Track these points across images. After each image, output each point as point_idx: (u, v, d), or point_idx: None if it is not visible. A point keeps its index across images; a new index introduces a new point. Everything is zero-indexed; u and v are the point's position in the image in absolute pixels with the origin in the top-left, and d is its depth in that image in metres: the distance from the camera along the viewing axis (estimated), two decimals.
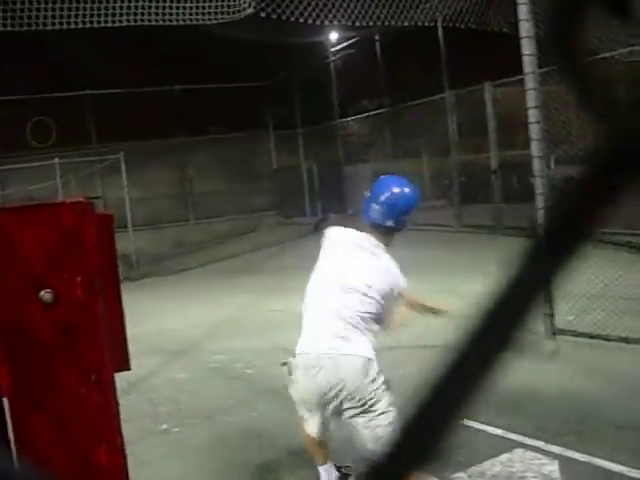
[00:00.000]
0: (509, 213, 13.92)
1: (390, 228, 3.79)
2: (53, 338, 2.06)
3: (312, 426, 3.76)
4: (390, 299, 3.72)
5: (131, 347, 8.34)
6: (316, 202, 20.69)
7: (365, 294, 3.63)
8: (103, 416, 2.17)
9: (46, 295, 2.00)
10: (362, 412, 3.57)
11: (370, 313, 3.64)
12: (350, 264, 3.72)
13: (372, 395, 3.55)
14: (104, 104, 20.75)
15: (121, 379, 6.87)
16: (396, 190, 3.81)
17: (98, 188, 18.68)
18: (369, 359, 3.60)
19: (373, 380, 3.58)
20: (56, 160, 15.74)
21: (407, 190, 3.84)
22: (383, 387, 3.61)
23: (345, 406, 3.59)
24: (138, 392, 6.55)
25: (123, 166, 15.90)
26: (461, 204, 16.23)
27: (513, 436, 4.60)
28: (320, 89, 21.30)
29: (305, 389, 3.68)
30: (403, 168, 15.91)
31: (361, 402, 3.55)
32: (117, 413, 2.24)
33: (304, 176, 21.66)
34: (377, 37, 18.95)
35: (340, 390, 3.54)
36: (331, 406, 3.62)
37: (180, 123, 21.58)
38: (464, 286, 9.39)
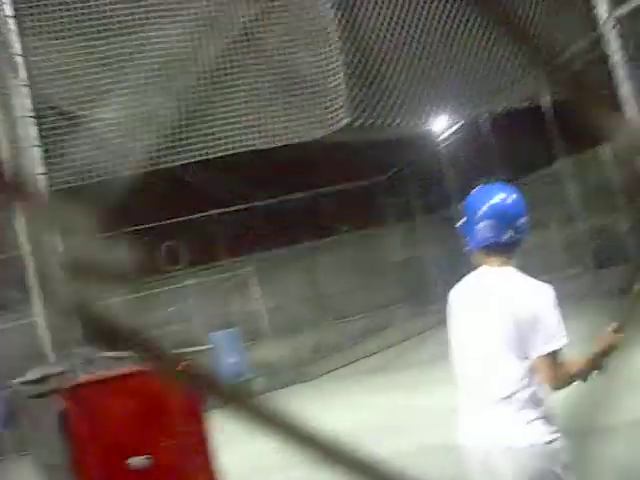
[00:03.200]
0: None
1: (512, 241, 3.02)
2: None
3: None
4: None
5: (285, 459, 8.30)
6: (444, 289, 20.36)
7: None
8: None
9: (139, 462, 2.03)
10: None
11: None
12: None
13: None
14: (230, 221, 21.61)
15: None
16: (500, 194, 3.08)
17: (233, 302, 19.25)
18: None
19: None
20: (187, 282, 16.41)
21: (509, 191, 3.11)
22: None
23: None
24: None
25: (255, 279, 16.41)
26: (596, 269, 15.69)
27: None
28: (433, 178, 21.42)
29: None
30: (532, 241, 15.59)
31: None
32: None
33: (429, 265, 21.54)
34: (485, 117, 18.98)
35: None
36: None
37: (305, 230, 22.12)
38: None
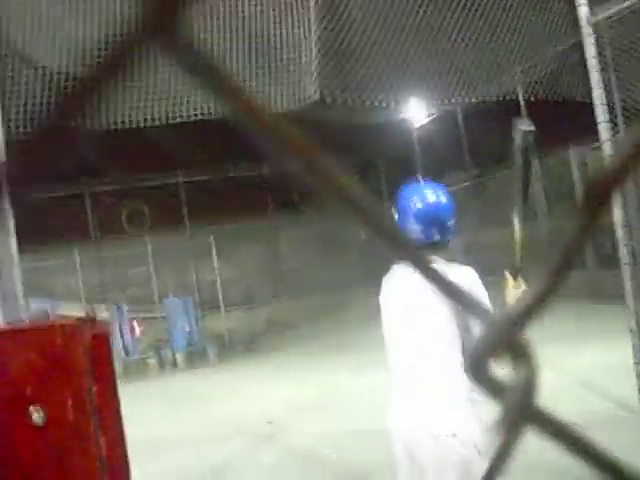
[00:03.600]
0: (605, 280, 13.49)
1: (441, 242, 3.17)
2: (44, 461, 2.04)
3: None
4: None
5: (220, 429, 8.40)
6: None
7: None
8: None
9: (35, 415, 2.01)
10: None
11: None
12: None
13: None
14: (195, 189, 21.55)
15: (205, 464, 6.97)
16: (429, 197, 3.18)
17: (191, 269, 19.19)
18: None
19: None
20: (149, 246, 16.33)
21: (438, 193, 3.21)
22: None
23: None
24: (222, 477, 6.58)
25: (214, 249, 16.38)
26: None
27: None
28: (405, 164, 21.47)
29: None
30: (493, 237, 15.74)
31: None
32: None
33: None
34: (458, 109, 19.06)
35: None
36: None
37: (268, 202, 22.08)
38: (555, 358, 9.13)
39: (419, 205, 3.15)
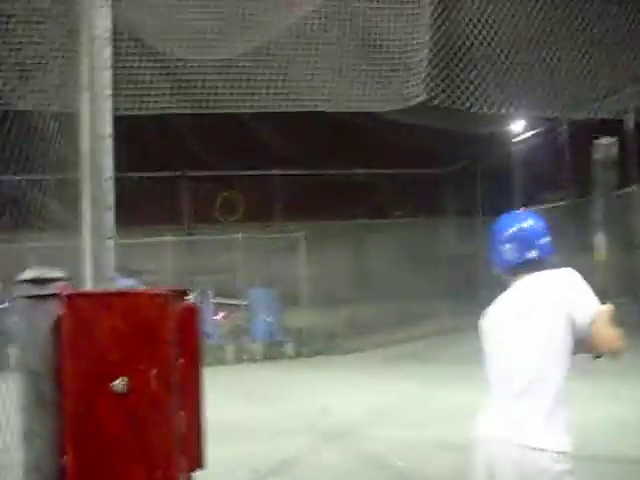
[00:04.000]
0: None
1: (536, 260, 3.25)
2: (123, 429, 2.03)
3: None
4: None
5: (288, 425, 8.44)
6: (491, 291, 20.16)
7: None
8: None
9: (119, 385, 2.00)
10: None
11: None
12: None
13: None
14: (290, 184, 21.69)
15: (273, 458, 6.99)
16: (519, 221, 3.40)
17: (278, 263, 19.33)
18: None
19: None
20: (239, 235, 16.51)
21: (528, 216, 3.44)
22: None
23: None
24: (286, 473, 6.57)
25: (303, 244, 16.47)
26: None
27: None
28: (502, 179, 21.06)
29: None
30: (583, 263, 15.26)
31: None
32: None
33: (480, 265, 21.31)
34: (563, 127, 18.57)
35: None
36: None
37: (361, 205, 22.03)
38: (625, 392, 8.76)
39: (510, 228, 3.35)
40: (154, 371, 2.00)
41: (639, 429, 7.46)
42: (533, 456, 2.89)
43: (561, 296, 3.05)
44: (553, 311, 3.04)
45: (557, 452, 2.89)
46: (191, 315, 2.13)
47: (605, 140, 3.19)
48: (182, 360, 2.08)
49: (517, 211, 3.59)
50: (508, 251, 3.29)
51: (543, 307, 3.08)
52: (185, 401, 2.12)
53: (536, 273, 3.22)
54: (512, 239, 3.29)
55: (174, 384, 2.04)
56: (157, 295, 2.08)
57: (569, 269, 3.16)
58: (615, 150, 3.16)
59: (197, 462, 2.19)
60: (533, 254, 3.24)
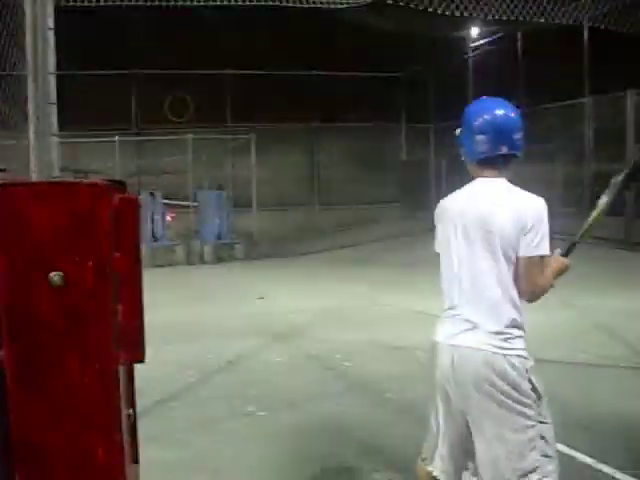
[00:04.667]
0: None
1: (507, 156, 3.05)
2: (59, 322, 2.00)
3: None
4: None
5: (235, 326, 8.57)
6: (442, 198, 20.41)
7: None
8: (103, 409, 2.08)
9: (55, 277, 1.97)
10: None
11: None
12: None
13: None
14: (241, 84, 21.28)
15: (220, 357, 7.12)
16: (497, 109, 3.11)
17: (228, 166, 19.16)
18: None
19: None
20: (189, 135, 16.24)
21: (506, 106, 3.13)
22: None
23: None
24: (234, 371, 6.70)
25: (253, 147, 16.31)
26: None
27: (604, 468, 4.34)
28: (456, 85, 20.95)
29: None
30: (535, 172, 15.44)
31: None
32: (119, 408, 2.12)
33: (432, 171, 21.54)
34: (519, 35, 18.45)
35: None
36: None
37: (314, 108, 21.77)
38: (581, 300, 9.07)
39: (486, 116, 3.09)
40: (90, 263, 1.97)
41: (589, 335, 7.76)
42: (493, 359, 2.87)
43: (522, 225, 2.90)
44: (510, 231, 2.93)
45: (517, 355, 2.88)
46: (130, 207, 2.08)
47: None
48: (120, 253, 2.04)
49: (496, 98, 3.23)
50: (480, 142, 3.05)
51: (503, 224, 2.94)
52: (123, 294, 2.09)
53: (504, 181, 3.06)
54: (486, 129, 3.05)
55: (111, 276, 2.01)
56: (94, 185, 2.03)
57: (541, 201, 2.99)
58: None
59: (137, 355, 2.19)
60: (505, 150, 3.03)
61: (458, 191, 3.20)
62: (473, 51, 20.99)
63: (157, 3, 9.47)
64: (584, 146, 15.88)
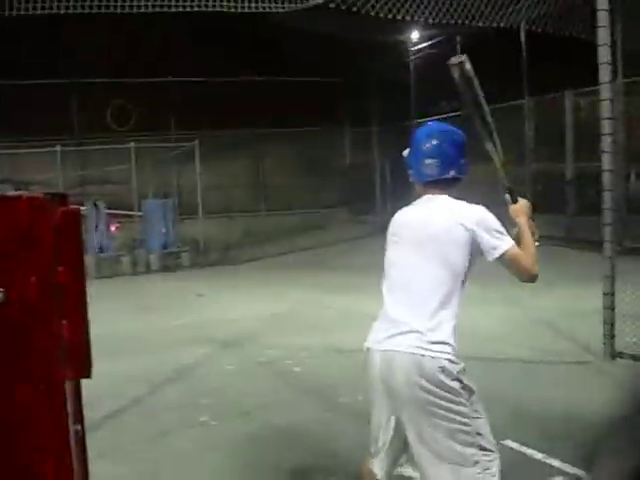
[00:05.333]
0: (583, 226, 13.54)
1: (453, 179, 3.21)
2: (1, 340, 1.91)
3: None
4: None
5: (184, 335, 8.47)
6: (387, 200, 20.61)
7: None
8: (51, 429, 2.02)
9: None
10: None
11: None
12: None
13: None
14: (184, 91, 21.15)
15: (169, 367, 7.04)
16: (446, 135, 3.27)
17: (173, 174, 18.99)
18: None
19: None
20: (132, 144, 16.04)
21: (455, 132, 3.30)
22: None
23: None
24: (184, 381, 6.64)
25: (197, 153, 16.20)
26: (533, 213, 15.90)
27: (554, 462, 4.42)
28: (398, 88, 21.16)
29: None
30: (476, 171, 15.66)
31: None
32: (67, 426, 2.04)
33: (377, 174, 21.72)
34: (458, 39, 18.72)
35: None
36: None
37: (258, 114, 21.74)
38: (525, 298, 9.21)
39: (434, 141, 3.21)
40: (33, 278, 1.92)
41: (535, 331, 7.89)
42: (422, 362, 2.91)
43: (470, 235, 3.01)
44: (457, 244, 3.04)
45: (445, 358, 2.93)
46: (72, 220, 2.03)
47: (455, 59, 3.23)
48: (63, 267, 2.00)
49: (443, 123, 3.48)
50: (428, 166, 3.18)
51: (437, 231, 3.07)
52: (68, 309, 2.04)
53: (447, 197, 3.18)
54: (435, 154, 3.18)
55: (55, 291, 1.97)
56: (34, 198, 1.98)
57: (482, 208, 3.12)
58: (469, 66, 3.23)
59: (84, 371, 2.13)
60: (452, 174, 3.18)
61: (407, 207, 3.32)
62: (414, 55, 21.24)
63: (95, 11, 9.29)
64: (524, 146, 16.19)
